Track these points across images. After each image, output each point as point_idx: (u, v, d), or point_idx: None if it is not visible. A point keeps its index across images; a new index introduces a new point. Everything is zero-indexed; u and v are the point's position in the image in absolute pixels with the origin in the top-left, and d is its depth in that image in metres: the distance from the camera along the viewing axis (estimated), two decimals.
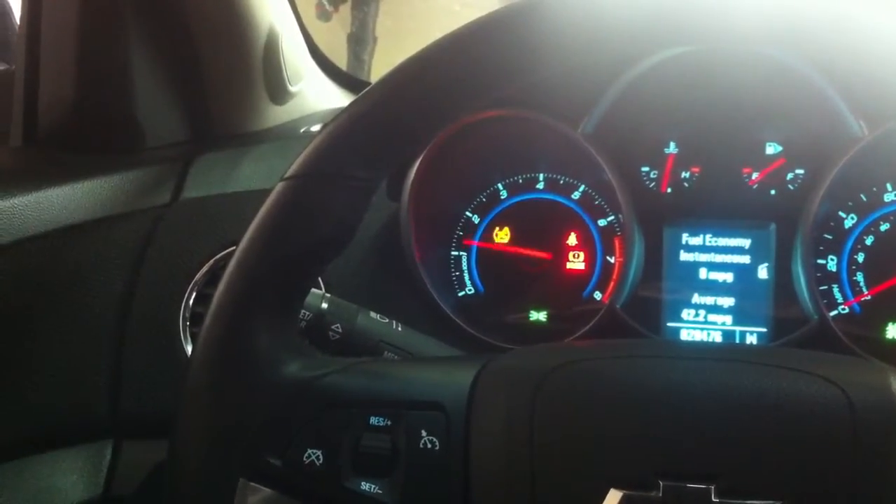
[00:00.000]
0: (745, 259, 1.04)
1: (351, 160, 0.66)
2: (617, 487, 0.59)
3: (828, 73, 0.98)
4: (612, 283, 1.07)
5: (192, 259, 1.04)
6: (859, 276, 1.02)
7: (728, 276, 1.04)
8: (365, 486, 0.64)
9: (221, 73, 1.22)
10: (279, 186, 0.66)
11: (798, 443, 0.59)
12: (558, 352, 0.68)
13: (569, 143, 1.03)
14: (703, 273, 1.05)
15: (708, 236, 1.04)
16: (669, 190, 1.07)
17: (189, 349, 1.01)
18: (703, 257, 1.04)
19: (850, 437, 0.58)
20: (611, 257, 1.08)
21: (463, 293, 1.10)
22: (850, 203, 1.03)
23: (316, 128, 1.27)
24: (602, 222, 1.08)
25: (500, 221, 1.10)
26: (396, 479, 0.64)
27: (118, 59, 1.12)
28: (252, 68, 1.26)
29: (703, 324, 1.05)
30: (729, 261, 1.04)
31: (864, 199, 1.02)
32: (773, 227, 1.03)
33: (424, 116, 0.66)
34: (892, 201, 1.02)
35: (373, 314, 0.89)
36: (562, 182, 1.09)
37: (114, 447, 1.03)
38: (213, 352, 0.65)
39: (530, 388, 0.63)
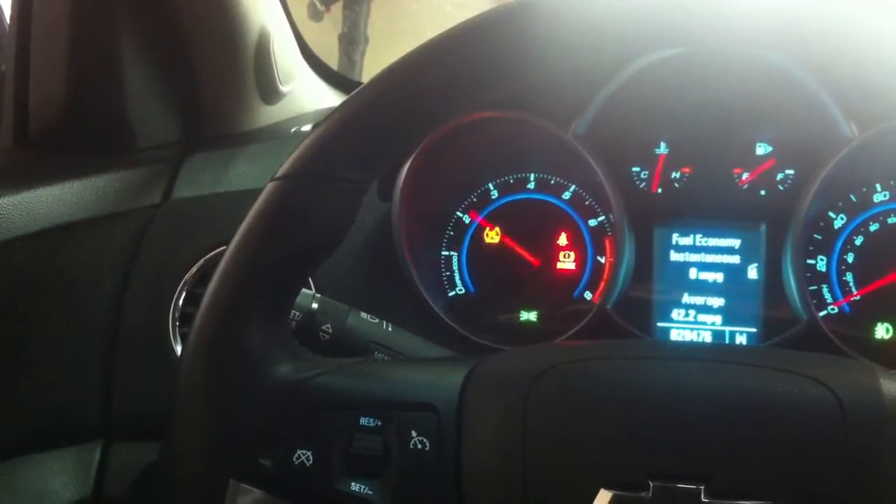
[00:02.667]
0: (735, 259, 1.04)
1: (342, 160, 0.66)
2: (607, 488, 0.59)
3: (818, 74, 0.98)
4: (602, 284, 1.07)
5: (183, 259, 1.03)
6: (849, 277, 1.02)
7: (718, 277, 1.04)
8: (355, 486, 0.64)
9: (212, 73, 1.22)
10: (270, 187, 0.66)
11: (788, 443, 0.59)
12: (549, 352, 0.68)
13: (560, 143, 1.03)
14: (693, 273, 1.05)
15: (698, 236, 1.04)
16: (660, 190, 1.07)
17: (179, 349, 1.01)
18: (694, 257, 1.05)
19: (840, 437, 0.58)
20: (601, 257, 1.08)
21: (453, 293, 1.10)
22: (839, 203, 1.03)
23: (307, 128, 1.27)
24: (592, 222, 1.08)
25: (491, 221, 1.10)
26: (387, 479, 0.64)
27: (109, 59, 1.12)
28: (243, 68, 1.26)
29: (693, 324, 1.05)
30: (719, 261, 1.04)
31: (854, 199, 1.03)
32: (763, 227, 1.03)
33: (416, 117, 0.66)
34: (882, 202, 1.02)
35: (363, 314, 0.89)
36: (553, 182, 1.09)
37: (103, 448, 1.02)
38: (203, 352, 0.65)
39: (521, 389, 0.63)
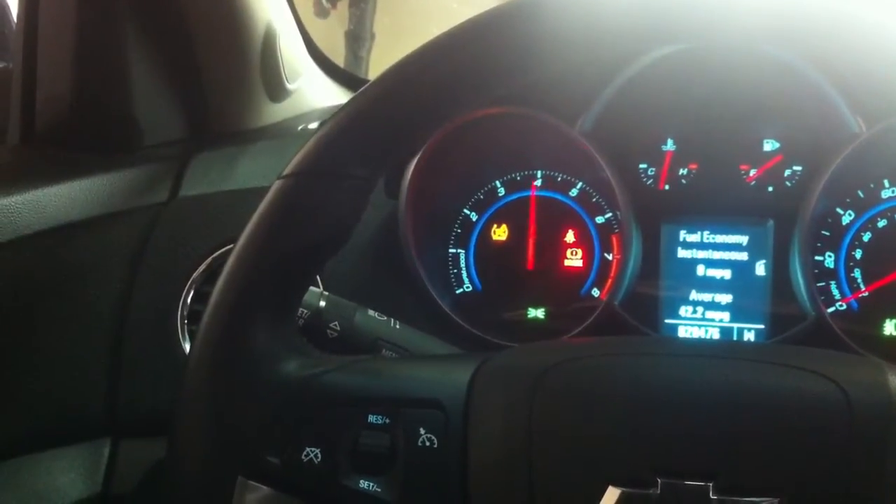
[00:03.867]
0: (743, 256, 1.04)
1: (349, 158, 0.66)
2: (615, 485, 0.59)
3: (825, 69, 0.98)
4: (609, 281, 1.07)
5: (190, 257, 1.04)
6: (857, 273, 1.02)
7: (726, 273, 1.04)
8: (363, 483, 0.64)
9: (219, 70, 1.22)
10: (277, 184, 0.66)
11: (796, 440, 0.59)
12: (556, 350, 0.68)
13: (566, 140, 1.03)
14: (700, 270, 1.05)
15: (705, 233, 1.04)
16: (667, 187, 1.07)
17: (187, 347, 1.01)
18: (701, 254, 1.05)
19: (848, 433, 0.58)
20: (608, 254, 1.08)
21: (461, 290, 1.10)
22: (847, 200, 1.03)
23: (314, 125, 1.27)
24: (600, 219, 1.08)
25: (497, 219, 1.10)
26: (395, 476, 0.64)
27: (116, 57, 1.12)
28: (250, 66, 1.26)
29: (700, 321, 1.05)
30: (726, 257, 1.04)
31: (862, 195, 1.03)
32: (770, 223, 1.03)
33: (422, 114, 0.66)
34: (890, 198, 1.02)
35: (371, 312, 0.89)
36: (559, 179, 1.09)
37: (112, 445, 1.03)
38: (212, 350, 0.65)
39: (528, 386, 0.63)
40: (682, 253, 1.05)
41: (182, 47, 1.18)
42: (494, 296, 1.10)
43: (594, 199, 1.08)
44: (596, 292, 1.08)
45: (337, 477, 0.65)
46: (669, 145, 1.07)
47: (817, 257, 1.03)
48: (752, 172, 1.05)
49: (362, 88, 0.66)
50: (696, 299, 1.05)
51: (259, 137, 1.22)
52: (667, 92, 1.04)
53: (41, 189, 0.99)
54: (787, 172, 1.04)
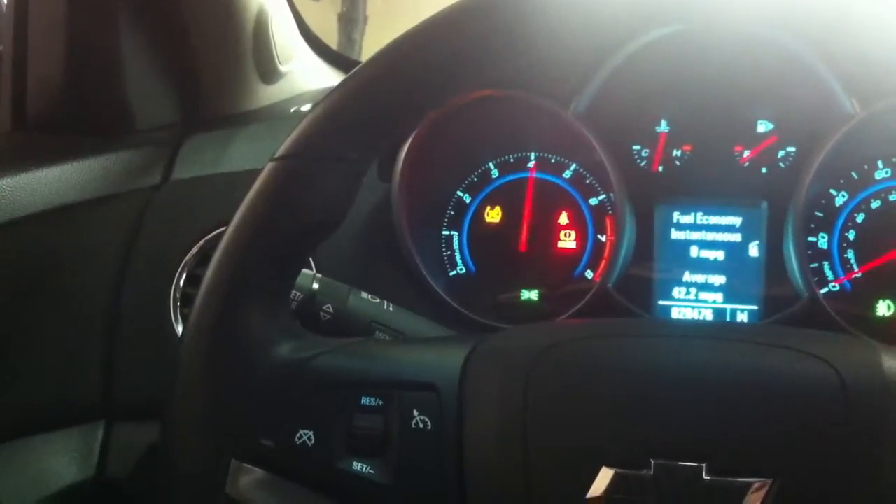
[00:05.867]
0: (737, 237, 1.04)
1: (342, 141, 0.66)
2: (609, 466, 0.59)
3: (820, 51, 0.97)
4: (603, 262, 1.07)
5: (183, 240, 1.03)
6: (850, 254, 1.02)
7: (719, 255, 1.04)
8: (357, 466, 0.65)
9: (211, 53, 1.22)
10: (269, 167, 0.66)
11: (789, 420, 0.59)
12: (550, 332, 0.68)
13: (560, 122, 1.03)
14: (694, 251, 1.05)
15: (699, 214, 1.04)
16: (661, 168, 1.07)
17: (180, 330, 1.01)
18: (695, 235, 1.05)
19: (841, 414, 0.58)
20: (602, 236, 1.08)
21: (454, 273, 1.10)
22: (841, 181, 1.03)
23: (306, 108, 1.26)
24: (593, 201, 1.08)
25: (491, 201, 1.10)
26: (389, 458, 0.64)
27: (107, 40, 1.11)
28: (242, 48, 1.25)
29: (694, 302, 1.05)
30: (720, 239, 1.04)
31: (856, 176, 1.03)
32: (764, 204, 1.03)
33: (415, 97, 0.66)
34: (883, 179, 1.02)
35: (364, 294, 0.89)
36: (553, 161, 1.09)
37: (105, 429, 1.03)
38: (204, 333, 0.65)
39: (522, 368, 0.63)
40: (675, 234, 1.05)
41: (174, 30, 1.17)
42: (488, 278, 1.10)
43: (588, 181, 1.08)
44: (589, 274, 1.08)
45: (331, 459, 0.65)
46: (663, 127, 1.06)
47: (811, 238, 1.03)
48: (746, 154, 1.05)
49: (354, 70, 0.66)
50: (689, 281, 1.05)
51: (251, 120, 1.22)
52: (661, 73, 1.04)
53: (33, 172, 0.99)
54: (781, 153, 1.04)
